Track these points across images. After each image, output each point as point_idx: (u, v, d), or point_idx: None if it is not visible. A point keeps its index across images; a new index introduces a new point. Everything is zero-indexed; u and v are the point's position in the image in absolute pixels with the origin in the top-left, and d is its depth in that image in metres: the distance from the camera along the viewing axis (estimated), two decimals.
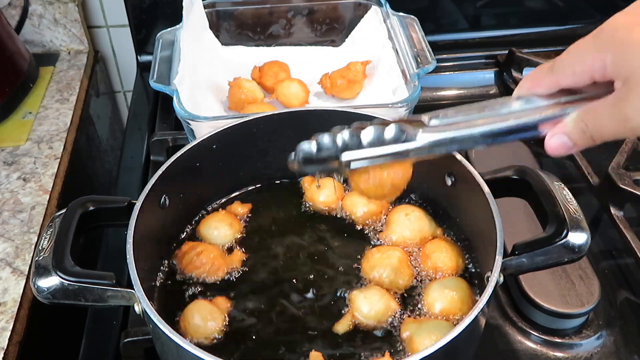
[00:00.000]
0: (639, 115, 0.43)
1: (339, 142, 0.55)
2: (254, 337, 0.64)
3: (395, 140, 0.53)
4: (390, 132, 0.54)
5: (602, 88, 0.47)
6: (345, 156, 0.55)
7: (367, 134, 0.54)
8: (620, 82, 0.44)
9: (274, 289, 0.69)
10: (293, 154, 0.57)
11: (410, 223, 0.73)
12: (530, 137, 0.51)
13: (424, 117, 0.54)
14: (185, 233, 0.76)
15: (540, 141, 0.51)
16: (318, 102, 1.02)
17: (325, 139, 0.55)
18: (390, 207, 0.77)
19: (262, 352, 0.63)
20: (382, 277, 0.68)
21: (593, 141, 0.47)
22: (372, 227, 0.76)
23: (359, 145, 0.55)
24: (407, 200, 0.78)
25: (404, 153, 0.54)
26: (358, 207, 0.77)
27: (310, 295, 0.68)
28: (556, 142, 0.48)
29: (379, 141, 0.54)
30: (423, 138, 0.53)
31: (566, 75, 0.48)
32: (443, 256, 0.69)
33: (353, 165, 0.55)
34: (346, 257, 0.73)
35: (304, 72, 1.06)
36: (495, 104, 0.52)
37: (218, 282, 0.70)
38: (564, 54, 0.49)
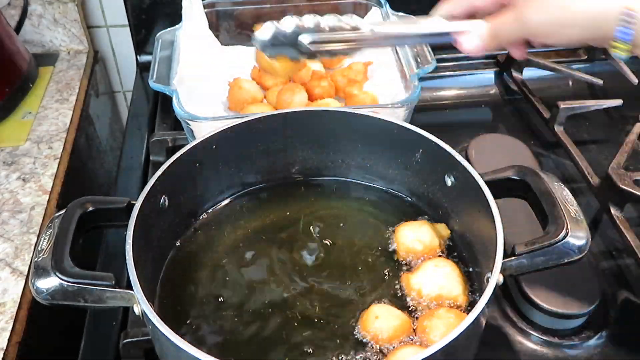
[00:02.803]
0: (534, 19, 0.58)
1: (300, 24, 0.62)
2: None
3: (351, 29, 0.63)
4: (346, 22, 0.63)
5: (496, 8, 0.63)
6: (305, 38, 0.62)
7: (326, 20, 0.62)
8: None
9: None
10: (259, 34, 0.62)
11: (434, 275, 0.67)
12: (446, 40, 0.65)
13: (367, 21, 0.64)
14: (185, 234, 0.76)
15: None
16: None
17: (287, 21, 0.62)
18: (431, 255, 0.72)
19: None
20: None
21: (500, 44, 0.64)
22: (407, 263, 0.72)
23: (317, 29, 0.62)
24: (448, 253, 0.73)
25: (357, 41, 0.64)
26: (407, 240, 0.72)
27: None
28: (473, 44, 0.63)
29: (334, 28, 0.62)
30: (376, 30, 0.64)
31: None
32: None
33: (313, 47, 0.62)
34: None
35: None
36: (422, 21, 0.66)
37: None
38: None
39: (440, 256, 0.72)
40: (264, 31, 0.62)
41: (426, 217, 0.77)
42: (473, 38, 0.63)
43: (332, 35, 0.62)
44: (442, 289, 0.66)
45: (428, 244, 0.72)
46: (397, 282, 0.69)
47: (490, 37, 0.62)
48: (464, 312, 0.65)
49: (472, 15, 0.65)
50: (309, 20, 0.61)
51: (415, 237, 0.72)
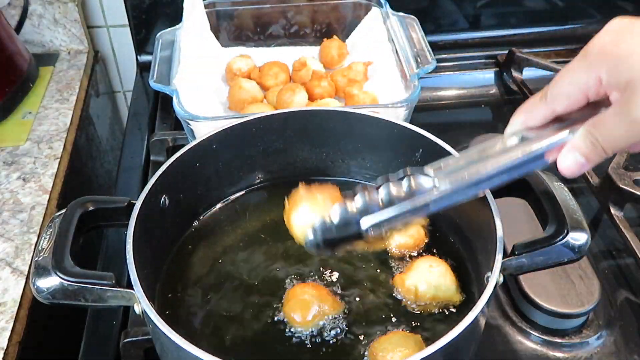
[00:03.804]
0: None
1: (355, 210, 0.53)
2: None
3: (410, 195, 0.53)
4: (402, 187, 0.53)
5: (590, 110, 0.49)
6: (366, 224, 0.53)
7: (380, 195, 0.53)
8: (619, 91, 0.46)
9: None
10: (310, 235, 0.55)
11: (430, 275, 0.67)
12: (539, 166, 0.52)
13: (428, 170, 0.54)
14: (186, 233, 0.76)
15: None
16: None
17: (338, 212, 0.53)
18: (421, 252, 0.73)
19: None
20: None
21: (605, 153, 0.48)
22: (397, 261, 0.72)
23: (373, 209, 0.53)
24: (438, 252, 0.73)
25: (423, 207, 0.53)
26: (397, 236, 0.72)
27: None
28: (570, 161, 0.49)
29: (391, 200, 0.53)
30: (441, 186, 0.53)
31: (561, 100, 0.50)
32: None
33: (375, 231, 0.54)
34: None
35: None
36: (494, 146, 0.53)
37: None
38: (555, 82, 0.50)
39: (431, 255, 0.72)
40: (311, 232, 0.55)
41: None
42: (570, 154, 0.49)
43: (391, 212, 0.53)
44: (438, 290, 0.66)
45: (416, 234, 0.73)
46: (390, 280, 0.70)
47: (591, 148, 0.48)
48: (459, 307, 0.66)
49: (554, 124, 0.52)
50: (358, 200, 0.53)
51: (403, 231, 0.73)
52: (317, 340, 0.64)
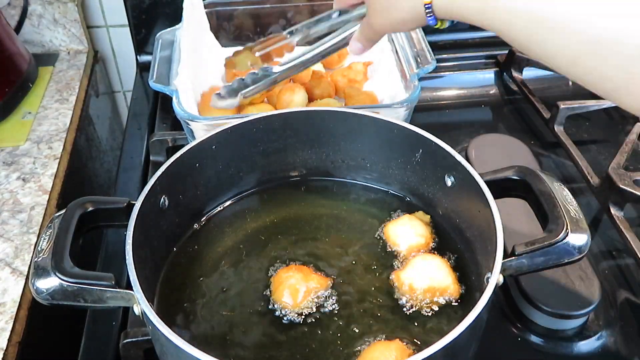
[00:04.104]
0: (378, 22, 0.71)
1: (235, 85, 0.88)
2: None
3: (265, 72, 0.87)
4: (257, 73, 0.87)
5: None
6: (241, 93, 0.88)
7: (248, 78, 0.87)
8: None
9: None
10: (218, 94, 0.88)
11: (423, 268, 0.68)
12: (344, 46, 0.82)
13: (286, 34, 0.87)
14: (185, 234, 0.76)
15: None
16: None
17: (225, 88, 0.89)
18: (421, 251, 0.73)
19: None
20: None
21: (372, 42, 0.76)
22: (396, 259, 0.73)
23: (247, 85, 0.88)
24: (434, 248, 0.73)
25: (272, 82, 0.87)
26: (401, 239, 0.73)
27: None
28: (354, 46, 0.77)
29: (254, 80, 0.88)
30: (282, 67, 0.86)
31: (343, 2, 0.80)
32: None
33: (246, 96, 0.88)
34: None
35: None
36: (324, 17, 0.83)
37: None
38: None
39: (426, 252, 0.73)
40: (221, 95, 0.89)
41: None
42: (354, 42, 0.77)
43: (254, 87, 0.87)
44: (432, 280, 0.67)
45: (425, 234, 0.73)
46: (391, 279, 0.70)
47: (363, 39, 0.76)
48: (456, 302, 0.67)
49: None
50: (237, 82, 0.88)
51: (414, 232, 0.73)
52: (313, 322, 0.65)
